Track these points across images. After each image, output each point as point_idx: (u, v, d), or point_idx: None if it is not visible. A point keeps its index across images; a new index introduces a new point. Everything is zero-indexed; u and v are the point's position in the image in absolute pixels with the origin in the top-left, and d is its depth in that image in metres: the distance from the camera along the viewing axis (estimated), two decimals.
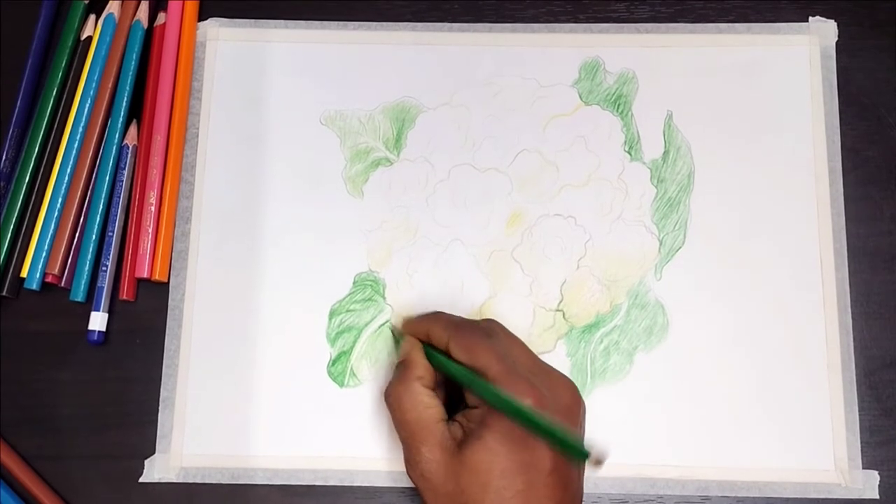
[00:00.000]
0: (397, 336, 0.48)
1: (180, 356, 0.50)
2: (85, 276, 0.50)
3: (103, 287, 0.50)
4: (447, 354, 0.43)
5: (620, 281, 0.51)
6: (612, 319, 0.50)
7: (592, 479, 0.48)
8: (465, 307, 0.50)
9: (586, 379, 0.49)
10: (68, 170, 0.51)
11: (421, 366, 0.43)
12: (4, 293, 0.50)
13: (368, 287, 0.51)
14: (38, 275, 0.50)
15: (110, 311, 0.50)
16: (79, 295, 0.50)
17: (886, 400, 0.49)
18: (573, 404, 0.41)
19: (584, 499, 0.47)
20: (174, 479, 0.48)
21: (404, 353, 0.45)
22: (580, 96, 0.53)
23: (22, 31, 0.54)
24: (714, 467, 0.48)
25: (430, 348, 0.44)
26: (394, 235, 0.52)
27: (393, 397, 0.43)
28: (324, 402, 0.49)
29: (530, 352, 0.43)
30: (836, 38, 0.54)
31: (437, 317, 0.46)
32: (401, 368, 0.44)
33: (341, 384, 0.49)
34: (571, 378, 0.49)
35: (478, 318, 0.50)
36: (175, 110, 0.53)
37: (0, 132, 0.53)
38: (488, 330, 0.43)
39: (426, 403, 0.42)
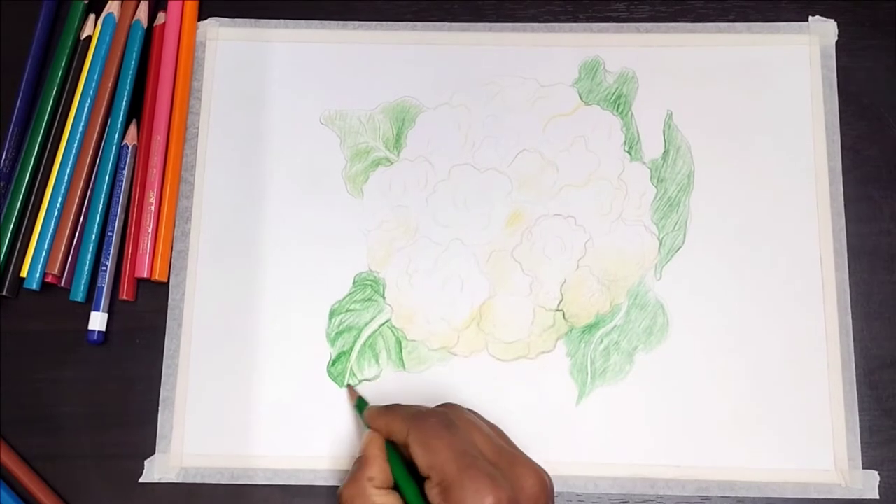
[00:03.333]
0: (356, 404, 0.48)
1: (180, 356, 0.50)
2: (85, 276, 0.50)
3: (103, 287, 0.50)
4: (407, 451, 0.41)
5: (620, 281, 0.51)
6: (612, 319, 0.50)
7: (593, 479, 0.48)
8: (465, 307, 0.50)
9: (586, 379, 0.49)
10: (68, 169, 0.51)
11: (376, 465, 0.42)
12: (4, 293, 0.50)
13: (368, 287, 0.51)
14: (37, 275, 0.50)
15: (110, 311, 0.50)
16: (79, 295, 0.50)
17: (886, 400, 0.49)
18: (540, 493, 0.39)
19: (584, 499, 0.48)
20: (174, 480, 0.48)
21: (362, 449, 0.43)
22: (580, 96, 0.53)
23: (22, 31, 0.54)
24: (714, 467, 0.48)
25: (390, 446, 0.42)
26: (394, 235, 0.52)
27: (345, 498, 0.41)
28: (324, 402, 0.49)
29: (495, 438, 0.41)
30: (836, 38, 0.54)
31: (395, 411, 0.43)
32: (356, 466, 0.42)
33: (341, 384, 0.49)
34: (572, 378, 0.49)
35: (477, 318, 0.50)
36: (175, 110, 0.53)
37: (0, 132, 0.53)
38: (447, 421, 0.41)
39: None
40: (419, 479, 0.40)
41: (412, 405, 0.44)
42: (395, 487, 0.41)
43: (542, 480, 0.40)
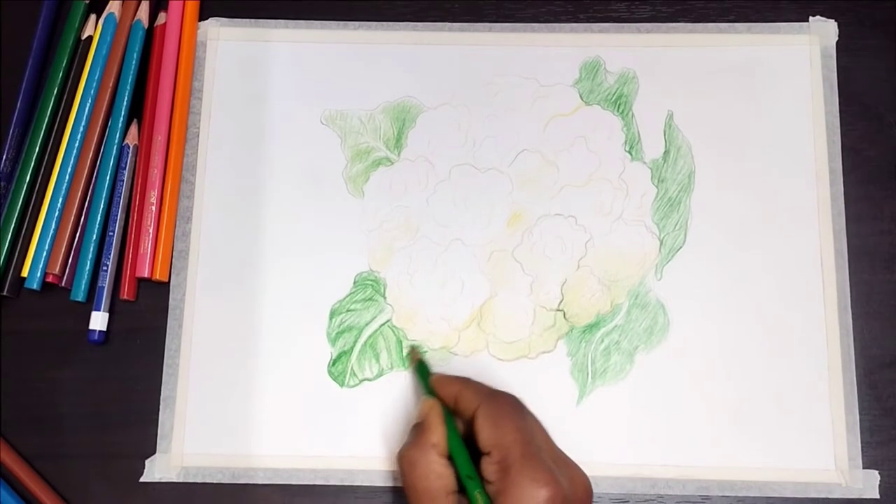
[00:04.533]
0: (415, 368, 0.48)
1: (181, 356, 0.50)
2: (85, 276, 0.50)
3: (104, 287, 0.50)
4: (469, 421, 0.42)
5: (621, 281, 0.51)
6: (613, 319, 0.50)
7: (593, 479, 0.47)
8: (466, 307, 0.50)
9: (587, 379, 0.49)
10: (69, 169, 0.51)
11: (438, 432, 0.42)
12: (5, 293, 0.50)
13: (369, 287, 0.51)
14: (38, 274, 0.50)
15: (111, 311, 0.51)
16: (79, 295, 0.50)
17: (886, 400, 0.49)
18: (586, 501, 0.41)
19: None
20: (175, 479, 0.48)
21: (422, 415, 0.43)
22: (581, 96, 0.53)
23: (22, 31, 0.54)
24: (714, 467, 0.48)
25: (448, 417, 0.43)
26: (394, 235, 0.52)
27: (406, 461, 0.42)
28: (324, 402, 0.49)
29: (551, 439, 0.42)
30: (837, 38, 0.54)
31: (467, 382, 0.44)
32: (417, 431, 0.43)
33: (342, 384, 0.49)
34: (572, 378, 0.49)
35: (478, 317, 0.50)
36: (176, 110, 0.53)
37: (0, 132, 0.53)
38: (519, 405, 0.42)
39: (438, 473, 0.41)
40: (473, 454, 0.41)
41: (478, 382, 0.45)
42: (448, 457, 0.42)
43: (590, 489, 0.41)
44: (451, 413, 0.43)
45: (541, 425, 0.43)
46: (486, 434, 0.41)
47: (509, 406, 0.42)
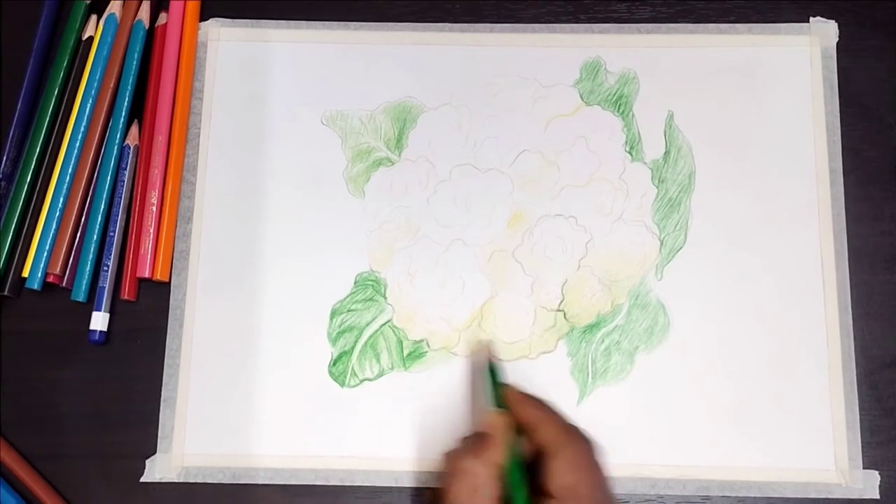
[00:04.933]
0: (488, 369, 0.46)
1: (181, 356, 0.50)
2: (86, 276, 0.50)
3: (105, 287, 0.50)
4: (536, 450, 0.40)
5: (621, 281, 0.51)
6: (613, 319, 0.50)
7: None
8: (467, 307, 0.50)
9: (587, 379, 0.49)
10: (70, 170, 0.52)
11: (501, 452, 0.40)
12: (6, 293, 0.50)
13: (370, 287, 0.51)
14: (39, 275, 0.50)
15: (112, 311, 0.51)
16: (80, 295, 0.50)
17: (886, 400, 0.49)
18: None
19: None
20: (175, 479, 0.48)
21: (489, 427, 0.41)
22: (581, 96, 0.53)
23: (23, 31, 0.54)
24: (714, 467, 0.48)
25: (513, 446, 0.41)
26: (395, 235, 0.52)
27: (458, 468, 0.39)
28: (325, 402, 0.49)
29: (608, 485, 0.41)
30: (837, 39, 0.54)
31: (548, 412, 0.42)
32: (477, 441, 0.41)
33: (342, 384, 0.50)
34: (572, 378, 0.49)
35: (479, 318, 0.50)
36: (176, 110, 0.53)
37: (1, 132, 0.53)
38: (600, 454, 0.40)
39: (490, 495, 0.39)
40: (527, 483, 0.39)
41: (558, 412, 0.42)
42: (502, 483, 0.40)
43: None
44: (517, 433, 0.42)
45: (605, 474, 0.41)
46: (560, 476, 0.39)
47: (591, 453, 0.40)
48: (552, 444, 0.40)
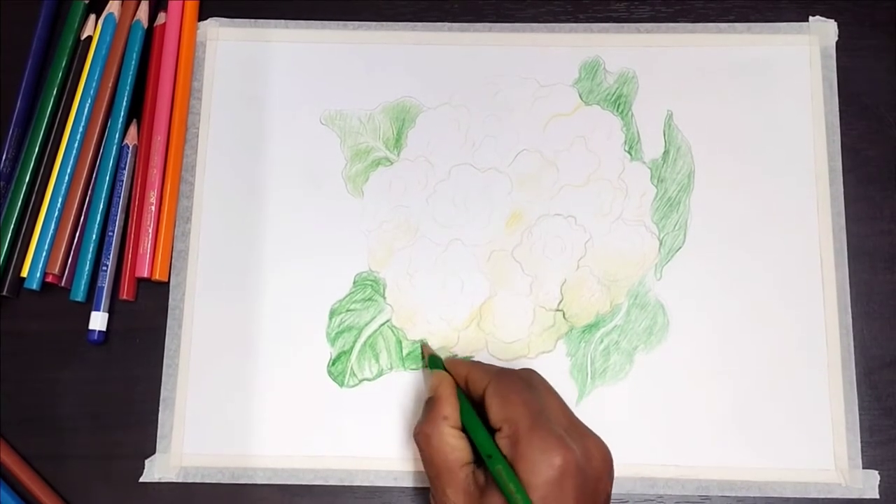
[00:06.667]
0: (427, 362, 0.48)
1: (180, 356, 0.50)
2: (85, 276, 0.50)
3: (103, 287, 0.50)
4: (480, 401, 0.42)
5: (620, 281, 0.51)
6: (613, 319, 0.50)
7: None
8: (465, 307, 0.50)
9: (586, 379, 0.49)
10: (68, 170, 0.52)
11: (449, 404, 0.43)
12: (5, 293, 0.50)
13: (369, 287, 0.51)
14: (38, 275, 0.50)
15: (110, 311, 0.51)
16: (79, 295, 0.50)
17: (886, 400, 0.49)
18: (604, 469, 0.40)
19: None
20: (174, 479, 0.48)
21: (433, 389, 0.44)
22: (580, 96, 0.53)
23: (22, 31, 0.54)
24: (714, 467, 0.48)
25: (460, 390, 0.44)
26: (394, 235, 0.52)
27: (421, 436, 0.42)
28: (324, 402, 0.49)
29: (567, 409, 0.42)
30: (836, 38, 0.54)
31: (477, 363, 0.46)
32: (429, 406, 0.44)
33: (341, 384, 0.49)
34: (572, 378, 0.49)
35: (477, 317, 0.50)
36: (175, 110, 0.53)
37: (0, 132, 0.53)
38: (528, 381, 0.43)
39: (452, 445, 0.41)
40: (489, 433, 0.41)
41: (491, 365, 0.46)
42: (463, 430, 0.42)
43: (609, 458, 0.41)
44: (463, 394, 0.44)
45: (556, 397, 0.43)
46: (494, 410, 0.41)
47: (517, 381, 0.42)
48: (482, 385, 0.43)
